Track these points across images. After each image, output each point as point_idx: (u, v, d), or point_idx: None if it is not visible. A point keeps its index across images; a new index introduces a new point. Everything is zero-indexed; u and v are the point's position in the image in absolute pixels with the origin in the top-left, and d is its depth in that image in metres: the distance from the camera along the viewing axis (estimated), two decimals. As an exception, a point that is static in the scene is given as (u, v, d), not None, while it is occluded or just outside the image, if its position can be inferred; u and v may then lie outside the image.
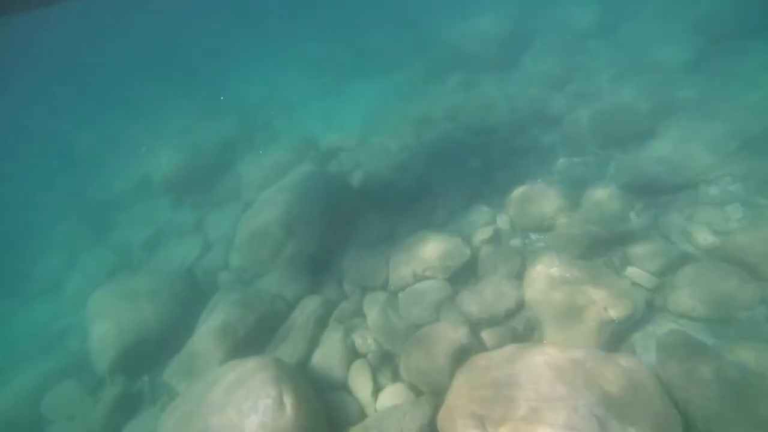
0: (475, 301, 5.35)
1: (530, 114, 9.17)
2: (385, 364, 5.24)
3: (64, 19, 21.44)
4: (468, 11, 13.53)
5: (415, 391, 4.81)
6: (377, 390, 4.99)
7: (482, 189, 7.50)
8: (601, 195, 6.39)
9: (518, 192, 6.65)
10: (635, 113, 7.65)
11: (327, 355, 5.42)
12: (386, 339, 5.42)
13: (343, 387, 5.15)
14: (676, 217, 5.82)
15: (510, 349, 4.11)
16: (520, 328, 5.08)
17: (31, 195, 14.40)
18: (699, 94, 8.03)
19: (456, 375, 4.34)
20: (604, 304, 4.73)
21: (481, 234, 6.30)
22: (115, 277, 8.84)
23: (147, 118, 16.13)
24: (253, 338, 5.90)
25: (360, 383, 5.06)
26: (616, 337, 4.68)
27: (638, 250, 5.44)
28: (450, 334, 4.91)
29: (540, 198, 6.39)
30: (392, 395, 4.87)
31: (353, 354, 5.43)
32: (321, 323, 5.94)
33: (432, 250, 6.10)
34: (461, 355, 4.67)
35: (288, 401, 4.21)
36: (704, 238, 5.38)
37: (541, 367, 3.70)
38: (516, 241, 6.30)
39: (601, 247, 5.62)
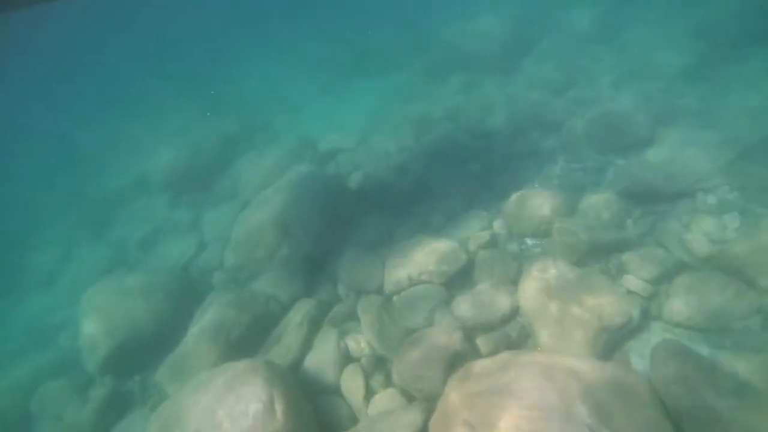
0: (471, 306, 5.31)
1: (530, 118, 9.14)
2: (378, 369, 5.21)
3: (64, 16, 21.41)
4: (469, 12, 13.52)
5: (408, 396, 4.77)
6: (370, 395, 4.95)
7: (480, 193, 7.47)
8: (599, 201, 6.36)
9: (516, 197, 6.62)
10: (635, 120, 7.62)
11: (320, 359, 5.38)
12: (380, 343, 5.38)
13: (336, 391, 5.11)
14: (673, 225, 5.79)
15: (504, 356, 4.07)
16: (515, 334, 5.05)
17: (28, 192, 14.36)
18: (699, 102, 8.02)
19: (449, 381, 4.30)
20: (600, 312, 4.70)
21: (478, 239, 6.26)
22: (110, 275, 8.78)
23: (147, 117, 16.11)
24: (246, 340, 5.86)
25: (352, 388, 5.02)
26: (611, 346, 4.65)
27: (635, 257, 5.41)
28: (444, 339, 4.88)
29: (537, 203, 6.35)
30: (385, 400, 4.83)
31: (346, 358, 5.39)
32: (315, 326, 5.90)
33: (428, 254, 6.07)
34: (455, 361, 4.64)
35: (279, 406, 4.17)
36: (701, 246, 5.34)
37: (535, 375, 3.67)
38: (513, 246, 6.27)
39: (597, 254, 5.59)
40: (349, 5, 20.42)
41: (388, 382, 5.07)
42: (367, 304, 5.92)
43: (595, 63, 10.58)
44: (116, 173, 13.24)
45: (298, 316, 6.03)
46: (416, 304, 5.65)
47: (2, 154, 17.84)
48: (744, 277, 4.79)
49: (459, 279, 5.86)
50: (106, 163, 14.32)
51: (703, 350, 4.50)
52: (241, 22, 23.92)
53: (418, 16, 16.74)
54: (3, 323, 9.22)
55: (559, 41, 11.87)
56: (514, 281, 5.59)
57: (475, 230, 6.50)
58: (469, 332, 5.13)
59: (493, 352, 4.82)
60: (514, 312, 5.25)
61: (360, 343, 5.51)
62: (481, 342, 5.00)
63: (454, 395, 3.97)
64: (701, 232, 5.53)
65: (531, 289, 5.23)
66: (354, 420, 4.82)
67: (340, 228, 7.34)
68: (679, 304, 4.84)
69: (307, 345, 5.70)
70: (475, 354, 4.86)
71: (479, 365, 4.17)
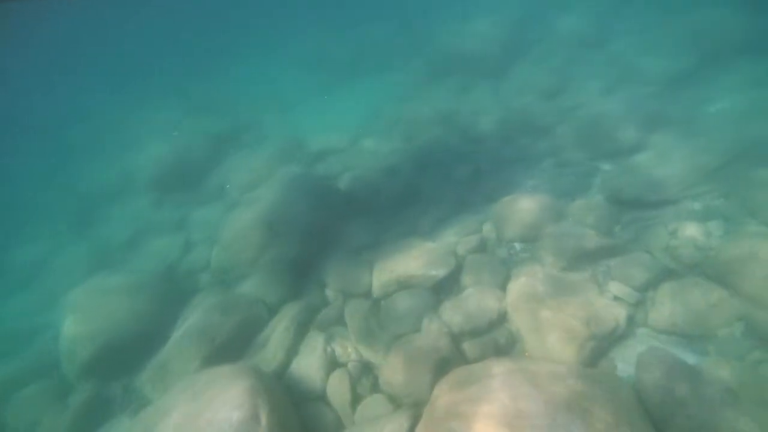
0: (458, 311, 5.29)
1: (521, 122, 9.18)
2: (365, 374, 5.15)
3: (58, 12, 21.04)
4: (464, 14, 13.55)
5: (395, 402, 4.73)
6: (356, 401, 4.90)
7: (470, 197, 7.47)
8: (587, 207, 6.40)
9: (505, 201, 6.63)
10: (624, 125, 7.68)
11: (306, 364, 5.32)
12: (367, 348, 5.34)
13: (322, 397, 5.05)
14: (659, 231, 5.83)
15: (491, 363, 4.05)
16: (503, 340, 5.03)
17: (13, 188, 14.02)
18: (687, 108, 8.12)
19: (436, 387, 4.27)
20: (587, 318, 4.71)
21: (467, 243, 6.25)
22: (93, 276, 8.60)
23: (135, 113, 15.83)
24: (231, 344, 5.77)
25: (339, 393, 4.97)
26: (597, 352, 4.65)
27: (621, 264, 5.43)
28: (431, 345, 4.86)
29: (526, 208, 6.36)
30: (372, 406, 4.78)
31: (333, 363, 5.34)
32: (301, 330, 5.83)
33: (417, 258, 6.04)
34: (442, 367, 4.62)
35: (263, 413, 4.10)
36: (686, 253, 5.39)
37: (521, 382, 3.65)
38: (501, 252, 6.26)
39: (585, 260, 5.61)
40: (348, 3, 20.33)
41: (375, 388, 5.02)
42: (355, 309, 5.87)
43: (586, 68, 10.66)
44: (102, 171, 13.01)
45: (284, 320, 5.95)
46: (404, 309, 5.61)
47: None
48: (727, 283, 4.84)
49: (447, 283, 5.84)
50: (91, 159, 14.06)
51: (688, 357, 4.54)
52: (238, 19, 23.72)
53: (414, 17, 16.74)
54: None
55: (551, 46, 11.95)
56: (502, 286, 5.58)
57: (464, 234, 6.49)
58: (457, 337, 5.10)
59: (481, 358, 4.81)
60: (502, 317, 5.24)
61: (347, 348, 5.46)
62: (469, 347, 4.98)
63: (440, 402, 3.95)
64: (687, 239, 5.59)
65: (519, 294, 5.23)
66: (340, 426, 4.77)
67: (329, 230, 7.28)
68: (664, 312, 4.87)
69: (293, 350, 5.63)
70: (463, 359, 4.84)
71: (466, 371, 4.14)
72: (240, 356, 5.74)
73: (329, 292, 6.40)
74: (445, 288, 5.82)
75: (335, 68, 15.52)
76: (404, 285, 5.90)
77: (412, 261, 6.01)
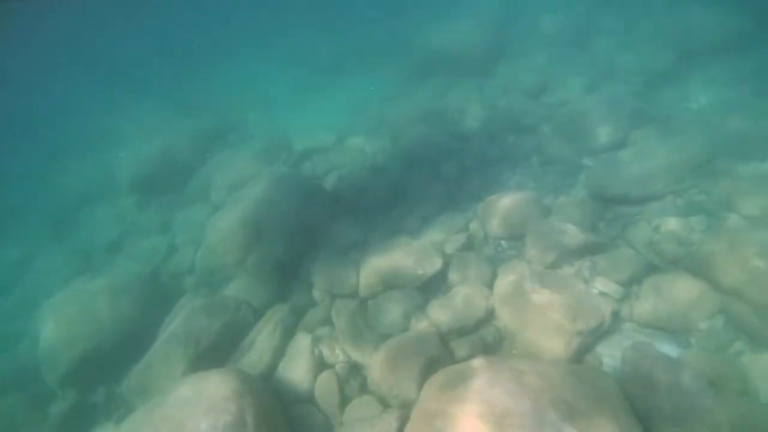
0: (446, 310, 5.28)
1: (506, 121, 9.22)
2: (353, 376, 5.13)
3: (40, 11, 20.50)
4: (451, 14, 13.52)
5: (384, 403, 4.71)
6: (344, 402, 4.87)
7: (456, 195, 7.47)
8: (572, 204, 6.46)
9: (491, 199, 6.64)
10: (607, 123, 7.76)
11: (293, 366, 5.27)
12: (355, 349, 5.30)
13: (310, 399, 5.01)
14: (643, 227, 5.91)
15: (478, 362, 4.05)
16: (490, 338, 5.04)
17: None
18: (669, 106, 8.25)
19: (424, 388, 4.26)
20: (573, 314, 4.74)
21: (453, 242, 6.26)
22: (75, 279, 8.42)
23: (119, 113, 15.51)
24: (216, 348, 5.68)
25: (327, 395, 4.94)
26: (583, 348, 4.70)
27: (606, 260, 5.49)
28: (419, 344, 4.85)
29: (512, 206, 6.38)
30: (360, 407, 4.76)
31: (321, 365, 5.30)
32: (288, 332, 5.77)
33: (404, 257, 6.02)
34: (430, 367, 4.61)
35: (250, 418, 4.05)
36: (669, 248, 5.47)
37: (508, 381, 3.66)
38: (488, 249, 6.28)
39: (570, 257, 5.64)
40: (334, 4, 20.20)
41: (363, 389, 5.00)
42: (342, 309, 5.83)
43: (569, 66, 10.74)
44: (84, 171, 12.74)
45: (271, 322, 5.89)
46: (391, 309, 5.59)
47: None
48: (709, 277, 4.92)
49: (435, 282, 5.83)
50: (74, 160, 13.75)
51: (671, 350, 4.61)
52: (223, 19, 23.39)
53: (400, 17, 16.68)
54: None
55: (535, 44, 12.02)
56: (489, 284, 5.60)
57: (450, 233, 6.49)
58: (445, 336, 5.10)
59: (469, 356, 4.81)
60: (490, 315, 5.26)
61: (334, 349, 5.42)
62: (457, 346, 4.98)
63: (428, 402, 3.94)
64: (670, 235, 5.67)
65: (506, 292, 5.25)
66: (329, 428, 4.74)
67: (315, 231, 7.22)
68: (648, 306, 4.95)
69: (280, 352, 5.57)
70: (451, 358, 4.84)
71: (453, 371, 4.14)
72: (226, 359, 5.66)
73: (316, 293, 6.35)
74: (432, 287, 5.82)
75: (321, 68, 15.41)
76: (391, 284, 5.88)
77: (400, 260, 5.99)
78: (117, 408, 5.98)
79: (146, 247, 8.88)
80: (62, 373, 6.26)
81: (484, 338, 5.03)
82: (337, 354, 5.38)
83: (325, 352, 5.42)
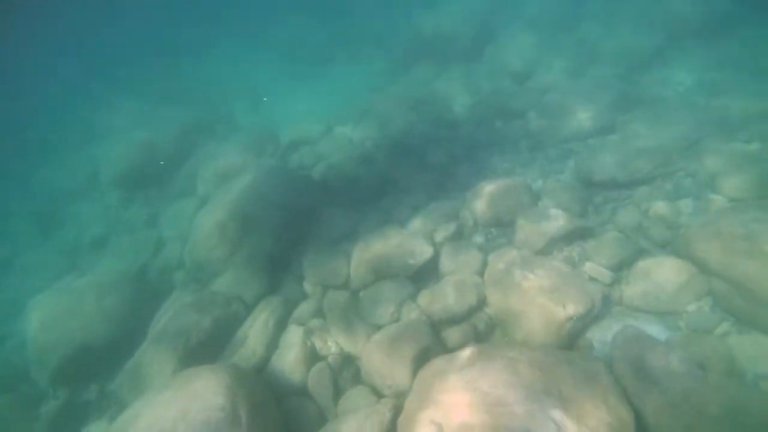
0: (437, 299, 5.28)
1: (493, 106, 9.17)
2: (346, 367, 5.13)
3: (22, 5, 19.84)
4: (439, 0, 13.32)
5: (377, 393, 4.72)
6: (338, 394, 4.88)
7: (445, 183, 7.45)
8: (561, 190, 6.46)
9: (480, 187, 6.61)
10: (594, 108, 7.75)
11: (286, 359, 5.24)
12: (347, 340, 5.30)
13: (303, 392, 5.00)
14: (632, 211, 5.94)
15: (470, 351, 4.06)
16: (482, 326, 5.06)
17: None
18: (655, 89, 8.26)
19: (417, 378, 4.27)
20: (563, 300, 4.76)
21: (444, 230, 6.23)
22: (60, 279, 8.29)
23: (101, 105, 15.15)
24: (208, 344, 5.63)
25: (320, 387, 4.93)
26: (574, 334, 4.73)
27: (596, 245, 5.52)
28: (411, 334, 4.85)
29: (501, 193, 6.37)
30: (354, 399, 4.76)
31: (314, 357, 5.27)
32: (280, 325, 5.74)
33: (394, 247, 5.99)
34: (423, 357, 4.62)
35: (243, 413, 4.03)
36: (658, 232, 5.51)
37: (500, 370, 3.67)
38: (478, 237, 6.28)
39: (559, 242, 5.67)
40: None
41: (356, 380, 5.00)
42: (333, 301, 5.81)
43: (555, 51, 10.69)
44: (67, 167, 12.44)
45: (262, 315, 5.85)
46: (383, 299, 5.58)
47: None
48: (696, 261, 4.96)
49: (425, 272, 5.82)
50: (55, 155, 13.43)
51: (660, 333, 4.67)
52: (206, 7, 22.81)
53: (390, 6, 16.40)
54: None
55: (521, 30, 11.90)
56: (479, 272, 5.60)
57: (440, 222, 6.45)
58: (437, 325, 5.11)
59: (461, 345, 4.83)
60: (481, 303, 5.27)
61: (327, 341, 5.41)
62: (449, 335, 4.99)
63: (421, 392, 3.94)
64: (658, 218, 5.70)
65: (496, 279, 5.25)
66: (323, 420, 4.73)
67: (304, 223, 7.15)
68: (637, 290, 4.99)
69: (272, 345, 5.54)
70: (443, 347, 4.85)
71: (445, 361, 4.15)
72: (218, 354, 5.62)
73: (307, 285, 6.32)
74: (423, 276, 5.81)
75: (307, 56, 15.17)
76: (382, 275, 5.86)
77: (390, 250, 5.96)
78: (109, 406, 5.93)
79: (133, 244, 8.75)
80: (53, 372, 6.19)
81: (476, 326, 5.05)
82: (330, 345, 5.37)
83: (318, 343, 5.41)
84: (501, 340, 4.95)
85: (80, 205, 10.97)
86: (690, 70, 8.56)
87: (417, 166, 7.88)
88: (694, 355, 4.20)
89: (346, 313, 5.58)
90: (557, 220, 5.75)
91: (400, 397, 4.44)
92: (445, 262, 5.84)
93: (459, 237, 6.26)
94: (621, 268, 5.30)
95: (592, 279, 5.25)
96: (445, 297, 5.28)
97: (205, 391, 4.21)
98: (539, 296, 4.86)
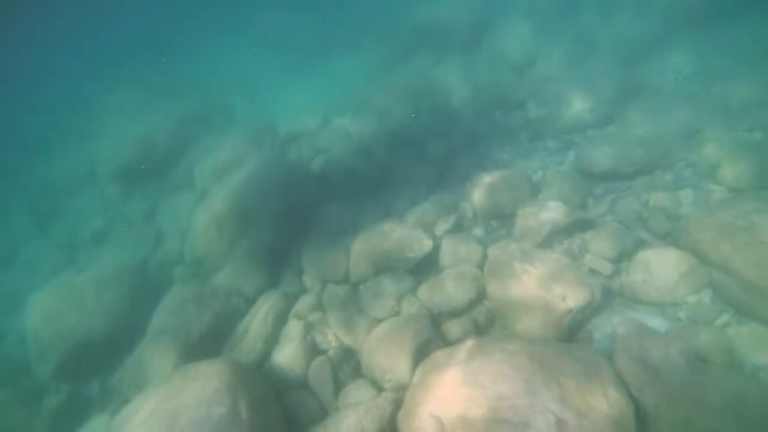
0: (437, 292, 5.28)
1: (493, 97, 9.08)
2: (346, 361, 5.13)
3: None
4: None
5: (378, 387, 4.73)
6: (339, 387, 4.89)
7: (444, 176, 7.40)
8: (561, 181, 6.42)
9: (480, 179, 6.57)
10: (594, 97, 7.67)
11: (286, 353, 5.24)
12: (347, 334, 5.30)
13: (304, 385, 5.01)
14: (632, 202, 5.92)
15: (470, 344, 4.06)
16: (482, 318, 5.06)
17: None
18: (655, 79, 8.16)
19: (417, 371, 4.28)
20: (563, 293, 4.75)
21: (443, 223, 6.21)
22: (60, 274, 8.27)
23: (96, 100, 15.01)
24: (208, 338, 5.65)
25: (321, 381, 4.94)
26: (574, 325, 4.74)
27: (596, 236, 5.50)
28: (411, 328, 4.85)
29: (501, 185, 6.34)
30: (354, 392, 4.77)
31: (314, 351, 5.28)
32: (280, 320, 5.74)
33: (394, 240, 5.97)
34: (423, 350, 4.62)
35: (244, 408, 4.04)
36: (658, 223, 5.49)
37: (499, 363, 3.68)
38: (478, 230, 6.26)
39: (560, 235, 5.65)
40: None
41: (356, 374, 5.02)
42: (333, 295, 5.81)
43: (554, 39, 10.54)
44: (65, 162, 12.35)
45: (262, 309, 5.85)
46: (382, 293, 5.58)
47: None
48: (696, 252, 4.95)
49: (425, 265, 5.81)
50: (53, 150, 13.33)
51: (661, 325, 4.67)
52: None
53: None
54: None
55: (520, 18, 11.74)
56: (479, 265, 5.58)
57: (440, 214, 6.44)
58: (436, 318, 5.12)
59: (461, 338, 4.85)
60: (481, 296, 5.26)
61: (327, 335, 5.41)
62: (449, 328, 5.00)
63: (421, 386, 3.95)
64: (658, 209, 5.68)
65: (496, 272, 5.23)
66: (324, 413, 4.74)
67: (303, 217, 7.12)
68: (638, 281, 4.98)
69: (272, 339, 5.55)
70: (443, 341, 4.86)
71: (445, 355, 4.15)
72: (218, 349, 5.63)
73: (307, 279, 6.31)
74: (423, 269, 5.80)
75: (304, 47, 14.97)
76: (382, 268, 5.85)
77: (390, 244, 5.94)
78: (112, 400, 5.96)
79: (132, 238, 8.72)
80: (54, 366, 6.21)
81: (476, 319, 5.05)
82: (330, 339, 5.37)
83: (318, 338, 5.41)
84: (501, 333, 4.95)
85: (79, 200, 10.92)
86: (690, 58, 8.45)
87: (416, 158, 7.83)
88: (694, 347, 4.20)
89: (346, 307, 5.58)
90: (557, 212, 5.72)
91: (400, 390, 4.45)
92: (445, 255, 5.83)
93: (459, 229, 6.24)
94: (621, 259, 5.29)
95: (592, 271, 5.25)
96: (445, 290, 5.28)
97: (205, 387, 4.22)
98: (539, 289, 4.85)
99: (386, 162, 7.96)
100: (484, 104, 8.97)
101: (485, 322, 5.08)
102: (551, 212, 5.76)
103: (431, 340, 4.75)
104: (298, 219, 7.06)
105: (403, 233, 6.02)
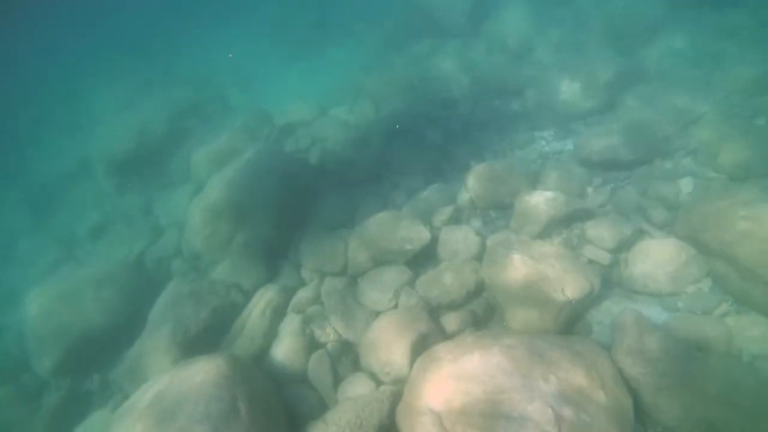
0: (435, 285, 5.25)
1: (492, 84, 8.95)
2: (345, 354, 5.13)
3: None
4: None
5: (377, 380, 4.73)
6: (338, 381, 4.89)
7: (442, 166, 7.33)
8: (560, 171, 6.35)
9: (478, 169, 6.48)
10: (594, 84, 7.55)
11: (285, 348, 5.24)
12: (346, 328, 5.29)
13: (303, 380, 5.01)
14: (631, 192, 5.87)
15: (468, 338, 4.06)
16: (480, 311, 5.05)
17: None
18: (656, 63, 8.02)
19: (415, 365, 4.27)
20: (562, 284, 4.72)
21: (441, 215, 6.16)
22: (56, 270, 8.25)
23: (86, 90, 14.82)
24: (206, 333, 5.62)
25: (320, 375, 4.94)
26: (573, 317, 4.73)
27: (595, 227, 5.46)
28: (410, 321, 4.83)
29: (500, 175, 6.27)
30: (353, 386, 4.78)
31: (312, 344, 5.27)
32: (278, 314, 5.72)
33: (391, 232, 5.92)
34: (421, 343, 4.61)
35: (242, 404, 4.03)
36: (657, 213, 5.45)
37: (498, 357, 3.66)
38: (476, 221, 6.21)
39: (559, 225, 5.61)
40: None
41: (355, 367, 5.02)
42: (331, 288, 5.78)
43: (553, 23, 10.36)
44: (56, 156, 12.24)
45: (260, 304, 5.83)
46: (381, 285, 5.55)
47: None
48: (696, 242, 4.92)
49: (423, 257, 5.77)
50: (44, 144, 13.21)
51: (660, 315, 4.67)
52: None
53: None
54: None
55: (517, 3, 11.53)
56: (478, 257, 5.55)
57: (438, 206, 6.38)
58: (435, 311, 5.10)
59: (459, 330, 4.84)
60: (479, 288, 5.23)
61: (326, 328, 5.40)
62: (447, 321, 4.98)
63: (418, 382, 3.94)
64: (658, 199, 5.63)
65: (494, 264, 5.19)
66: (323, 407, 4.74)
67: (301, 209, 7.06)
68: (636, 272, 4.97)
69: (271, 334, 5.53)
70: (441, 333, 4.84)
71: (444, 348, 4.14)
72: (217, 344, 5.62)
73: (305, 272, 6.28)
74: (421, 261, 5.77)
75: (299, 36, 14.74)
76: (380, 261, 5.82)
77: (387, 236, 5.90)
78: (112, 395, 5.97)
79: (129, 232, 8.68)
80: (53, 363, 6.20)
81: (474, 312, 5.03)
82: (329, 333, 5.36)
83: (317, 331, 5.40)
84: (499, 325, 4.94)
85: (74, 194, 10.85)
86: (692, 41, 8.29)
87: (414, 148, 7.74)
88: (694, 338, 4.20)
89: (345, 300, 5.56)
90: (556, 203, 5.67)
91: (399, 383, 4.45)
92: (443, 247, 5.79)
93: (457, 221, 6.20)
94: (620, 250, 5.27)
95: (591, 261, 5.22)
96: (443, 282, 5.25)
97: (204, 382, 4.21)
98: (537, 280, 4.82)
99: (384, 152, 7.88)
100: (483, 92, 8.85)
101: (484, 314, 5.06)
102: (550, 202, 5.71)
103: (430, 332, 4.74)
104: (295, 211, 7.00)
105: (401, 225, 5.97)
